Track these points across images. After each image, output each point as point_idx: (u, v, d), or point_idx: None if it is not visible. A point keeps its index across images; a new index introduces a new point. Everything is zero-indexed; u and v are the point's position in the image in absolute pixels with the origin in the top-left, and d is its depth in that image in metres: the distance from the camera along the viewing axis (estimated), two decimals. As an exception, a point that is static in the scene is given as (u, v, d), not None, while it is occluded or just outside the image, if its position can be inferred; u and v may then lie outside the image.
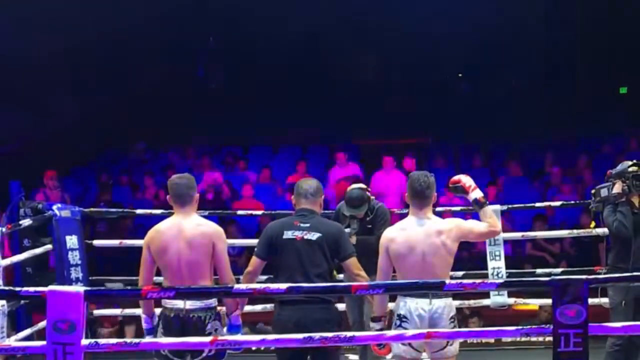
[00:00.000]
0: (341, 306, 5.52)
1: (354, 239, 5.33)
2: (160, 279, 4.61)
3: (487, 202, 4.47)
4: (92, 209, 6.30)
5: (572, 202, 7.98)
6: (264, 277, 5.05)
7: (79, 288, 3.41)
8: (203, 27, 12.74)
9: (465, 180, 4.49)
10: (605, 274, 5.27)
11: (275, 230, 4.52)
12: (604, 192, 5.22)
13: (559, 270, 6.62)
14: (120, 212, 7.07)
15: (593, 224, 5.87)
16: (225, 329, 4.48)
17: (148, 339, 4.48)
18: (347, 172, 10.05)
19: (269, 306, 5.68)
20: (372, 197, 5.59)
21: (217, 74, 14.14)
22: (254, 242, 4.81)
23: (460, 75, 14.11)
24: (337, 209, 5.65)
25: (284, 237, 4.47)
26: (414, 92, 12.94)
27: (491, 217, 4.39)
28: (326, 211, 5.28)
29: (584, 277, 3.47)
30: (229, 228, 8.18)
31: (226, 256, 4.47)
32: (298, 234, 4.46)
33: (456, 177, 4.54)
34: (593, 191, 5.34)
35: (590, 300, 3.49)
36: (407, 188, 4.41)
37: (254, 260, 4.55)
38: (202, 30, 12.91)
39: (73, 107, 11.08)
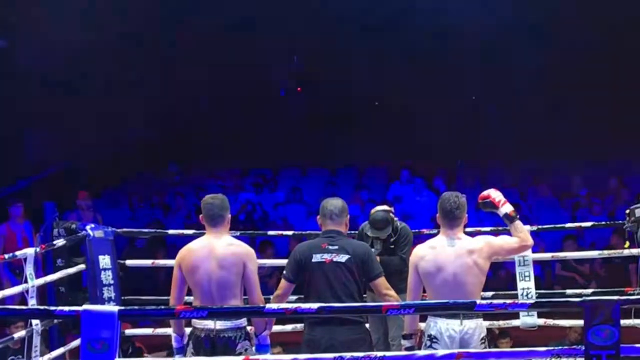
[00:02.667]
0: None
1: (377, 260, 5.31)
2: (191, 298, 4.65)
3: (518, 216, 4.45)
4: (124, 230, 6.36)
5: (604, 222, 7.90)
6: (295, 298, 5.07)
7: (113, 308, 3.45)
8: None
9: (495, 195, 4.48)
10: (638, 294, 5.23)
11: (304, 253, 4.54)
12: (638, 213, 5.20)
13: (590, 291, 6.55)
14: (152, 232, 7.13)
15: (627, 244, 5.82)
16: (254, 349, 4.50)
17: (178, 359, 4.52)
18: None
19: (299, 326, 5.68)
20: (396, 219, 5.56)
21: None
22: (284, 262, 4.82)
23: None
24: (361, 229, 5.59)
25: (313, 260, 4.48)
26: (442, 113, 12.91)
27: (522, 231, 4.37)
28: (351, 232, 5.27)
29: (615, 298, 3.46)
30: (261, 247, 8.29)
31: (257, 277, 4.49)
32: (327, 256, 4.48)
33: (486, 193, 4.53)
34: (628, 211, 5.31)
35: (624, 322, 3.47)
36: (438, 208, 4.42)
37: (283, 283, 4.57)
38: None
39: (108, 134, 11.21)
